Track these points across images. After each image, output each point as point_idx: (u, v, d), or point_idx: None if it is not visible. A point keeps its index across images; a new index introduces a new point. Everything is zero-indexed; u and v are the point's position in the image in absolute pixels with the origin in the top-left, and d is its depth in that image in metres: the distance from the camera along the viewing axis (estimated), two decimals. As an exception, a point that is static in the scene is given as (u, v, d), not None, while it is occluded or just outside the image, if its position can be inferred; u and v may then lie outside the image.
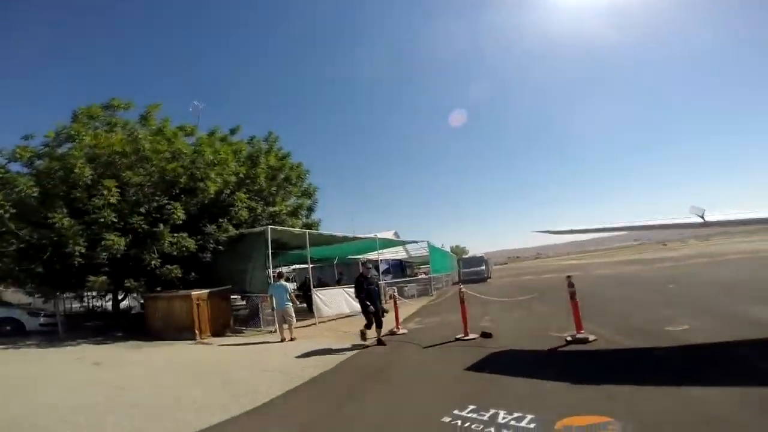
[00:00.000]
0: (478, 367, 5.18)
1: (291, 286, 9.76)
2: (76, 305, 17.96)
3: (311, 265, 13.53)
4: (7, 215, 9.00)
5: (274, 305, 8.95)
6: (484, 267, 30.25)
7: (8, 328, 11.07)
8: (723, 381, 3.74)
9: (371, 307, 7.56)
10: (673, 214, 5.68)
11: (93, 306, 17.42)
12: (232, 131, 15.10)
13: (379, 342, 7.52)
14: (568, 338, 6.19)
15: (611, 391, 3.77)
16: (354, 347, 7.45)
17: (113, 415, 4.23)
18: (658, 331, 6.19)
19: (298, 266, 25.52)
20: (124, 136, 11.31)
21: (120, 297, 13.02)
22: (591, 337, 6.06)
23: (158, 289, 11.05)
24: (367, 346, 7.36)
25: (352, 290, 13.39)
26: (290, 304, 8.92)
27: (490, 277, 30.47)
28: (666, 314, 7.51)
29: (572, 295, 6.28)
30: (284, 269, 23.77)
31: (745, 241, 44.79)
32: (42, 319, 11.46)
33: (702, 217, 5.06)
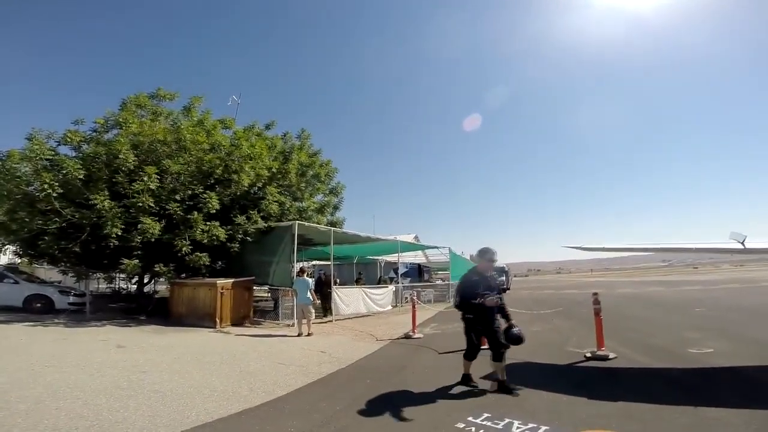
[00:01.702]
0: (493, 376, 5.17)
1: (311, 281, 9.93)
2: (102, 286, 18.69)
3: (332, 263, 13.71)
4: (54, 195, 9.53)
5: (296, 300, 9.18)
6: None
7: (39, 305, 11.42)
8: (741, 404, 3.70)
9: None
10: (713, 237, 5.51)
11: (119, 288, 18.13)
12: (267, 126, 15.53)
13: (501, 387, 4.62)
14: (588, 354, 6.11)
15: (628, 408, 3.74)
16: (369, 347, 7.56)
17: (134, 399, 4.35)
18: (681, 353, 6.08)
19: (317, 262, 25.91)
20: (167, 125, 11.86)
21: (146, 281, 13.51)
22: (611, 355, 5.97)
23: (184, 275, 11.45)
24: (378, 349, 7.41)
25: (371, 290, 13.75)
26: (311, 299, 9.11)
27: (509, 289, 29.99)
28: (690, 336, 7.37)
29: (597, 312, 6.20)
30: (305, 264, 24.19)
31: None
32: (71, 298, 11.79)
33: (742, 243, 4.91)
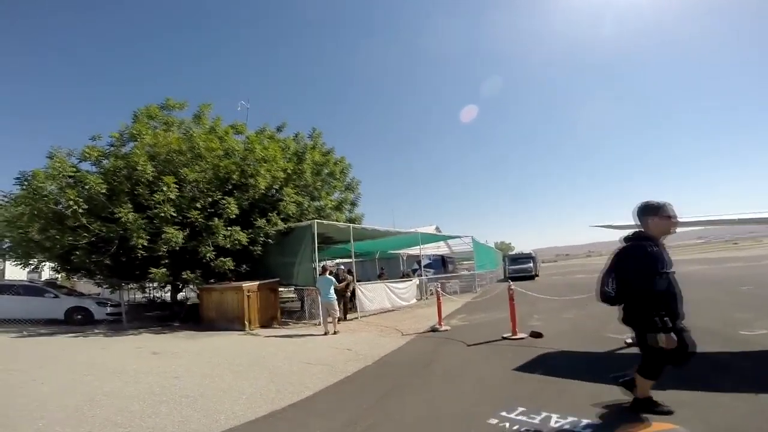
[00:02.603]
0: (528, 367, 4.94)
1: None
2: (138, 296, 19.43)
3: (353, 259, 13.62)
4: (81, 210, 9.82)
5: (320, 298, 9.16)
6: (531, 264, 29.09)
7: (79, 316, 11.91)
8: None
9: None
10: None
11: (154, 297, 18.78)
12: (279, 128, 15.59)
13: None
14: (628, 340, 5.75)
15: (679, 397, 3.43)
16: (395, 343, 7.43)
17: (166, 404, 4.42)
18: (732, 335, 5.61)
19: (339, 260, 26.02)
20: (180, 134, 12.03)
21: (179, 288, 13.87)
22: (658, 340, 5.57)
23: (212, 281, 11.65)
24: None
25: (395, 284, 13.64)
26: (334, 297, 9.06)
27: (537, 275, 29.31)
28: (740, 317, 6.86)
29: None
30: (329, 263, 24.26)
31: None
32: (109, 309, 12.24)
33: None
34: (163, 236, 9.81)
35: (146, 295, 18.39)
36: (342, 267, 11.84)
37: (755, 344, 4.96)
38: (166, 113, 12.59)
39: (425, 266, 23.11)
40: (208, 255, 10.28)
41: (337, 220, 13.84)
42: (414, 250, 21.40)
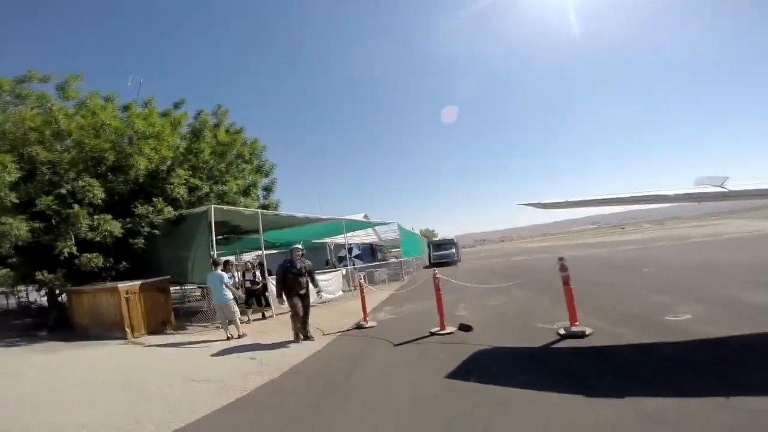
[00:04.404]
0: (462, 373, 4.18)
1: (228, 276, 8.34)
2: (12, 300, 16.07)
3: (263, 251, 11.98)
4: None
5: (213, 299, 7.68)
6: (454, 250, 29.76)
7: None
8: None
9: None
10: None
11: (30, 301, 15.43)
12: (176, 105, 13.12)
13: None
14: (561, 331, 5.34)
15: (644, 407, 2.85)
16: (313, 345, 6.33)
17: None
18: (660, 321, 5.46)
19: (259, 253, 23.96)
20: (40, 111, 9.52)
21: (56, 292, 11.20)
22: (588, 330, 5.22)
23: (76, 283, 9.37)
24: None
25: (318, 276, 12.22)
26: (230, 297, 7.64)
27: (459, 260, 30.09)
28: (657, 300, 6.90)
29: (566, 281, 5.39)
30: (251, 255, 21.97)
31: (700, 225, 47.10)
32: None
33: (722, 186, 4.25)
34: (-1, 228, 7.45)
35: (21, 299, 15.14)
36: (247, 261, 10.20)
37: (689, 332, 4.75)
38: (26, 86, 9.90)
39: (355, 256, 22.16)
40: (65, 250, 8.09)
41: (246, 206, 12.14)
42: (342, 239, 20.21)
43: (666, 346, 4.34)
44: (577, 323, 5.32)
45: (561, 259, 5.63)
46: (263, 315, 9.97)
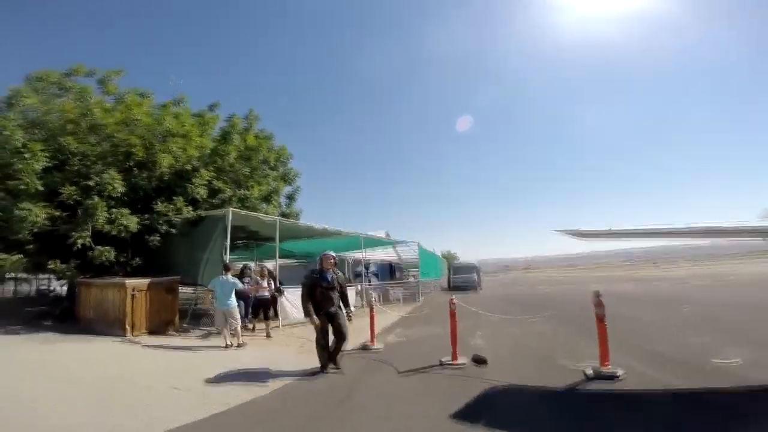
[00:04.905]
0: (471, 414, 3.63)
1: (246, 281, 8.11)
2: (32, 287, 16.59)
3: (278, 259, 11.69)
4: None
5: (216, 303, 7.41)
6: (475, 275, 28.81)
7: None
8: None
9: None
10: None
11: (48, 289, 15.80)
12: (211, 107, 13.33)
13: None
14: (589, 372, 4.70)
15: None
16: (312, 362, 5.89)
17: None
18: (704, 364, 4.79)
19: (284, 261, 23.96)
20: (76, 101, 9.85)
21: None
22: (620, 372, 4.57)
23: (89, 275, 9.36)
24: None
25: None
26: (235, 304, 7.35)
27: (480, 288, 29.09)
28: (699, 342, 6.19)
29: (600, 317, 4.77)
30: (252, 265, 21.93)
31: (740, 262, 43.98)
32: None
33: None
34: (16, 212, 7.51)
35: (41, 287, 15.75)
36: (250, 267, 9.85)
37: (741, 378, 4.07)
38: (72, 80, 10.34)
39: (372, 273, 21.73)
40: (79, 241, 8.08)
41: (266, 213, 12.01)
42: (360, 255, 19.88)
43: (716, 395, 3.67)
44: (608, 364, 4.67)
45: (597, 293, 4.99)
46: (267, 334, 8.53)
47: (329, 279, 5.54)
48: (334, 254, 5.76)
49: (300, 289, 5.83)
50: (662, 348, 5.86)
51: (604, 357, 4.69)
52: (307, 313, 5.41)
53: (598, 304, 4.79)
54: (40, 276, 15.43)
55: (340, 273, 5.88)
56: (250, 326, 8.94)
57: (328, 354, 5.47)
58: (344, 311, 5.76)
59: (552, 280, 35.64)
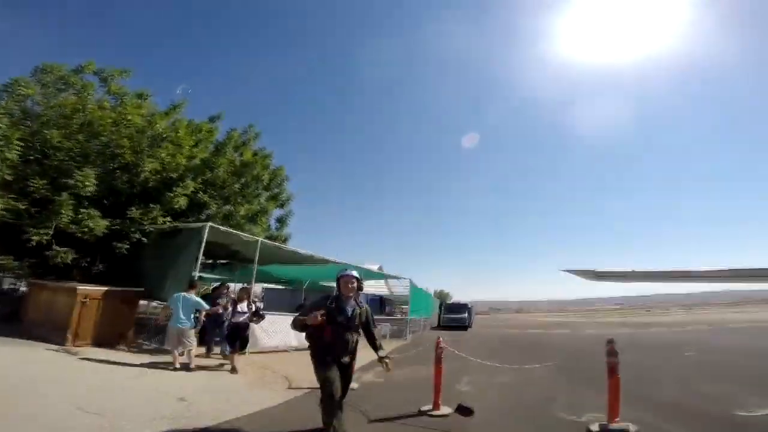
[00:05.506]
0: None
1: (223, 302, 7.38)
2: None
3: (254, 281, 10.92)
4: None
5: (170, 321, 6.67)
6: (466, 315, 28.05)
7: None
8: None
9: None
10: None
11: (12, 288, 14.79)
12: (212, 119, 12.99)
13: None
14: (594, 428, 3.97)
15: None
16: (267, 400, 5.09)
17: None
18: (728, 417, 4.26)
19: (267, 285, 23.05)
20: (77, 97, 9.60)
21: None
22: (632, 428, 3.87)
23: (52, 276, 8.62)
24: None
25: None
26: (190, 323, 6.60)
27: (471, 326, 28.15)
28: (714, 390, 5.67)
29: (613, 367, 4.05)
30: (258, 288, 20.89)
31: (724, 311, 43.79)
32: None
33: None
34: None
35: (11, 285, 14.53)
36: (229, 287, 9.17)
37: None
38: (81, 77, 10.07)
39: (358, 305, 20.84)
40: (35, 238, 7.41)
41: (250, 233, 11.36)
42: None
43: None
44: (617, 419, 3.95)
45: (610, 341, 4.27)
46: (233, 368, 6.83)
47: (349, 313, 3.62)
48: (357, 275, 3.78)
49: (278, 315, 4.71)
50: (674, 398, 5.30)
51: (613, 412, 3.97)
52: (298, 327, 3.66)
53: (611, 352, 4.11)
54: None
55: (366, 306, 3.88)
56: (227, 355, 7.32)
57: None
58: (378, 355, 3.81)
59: (544, 323, 34.47)
